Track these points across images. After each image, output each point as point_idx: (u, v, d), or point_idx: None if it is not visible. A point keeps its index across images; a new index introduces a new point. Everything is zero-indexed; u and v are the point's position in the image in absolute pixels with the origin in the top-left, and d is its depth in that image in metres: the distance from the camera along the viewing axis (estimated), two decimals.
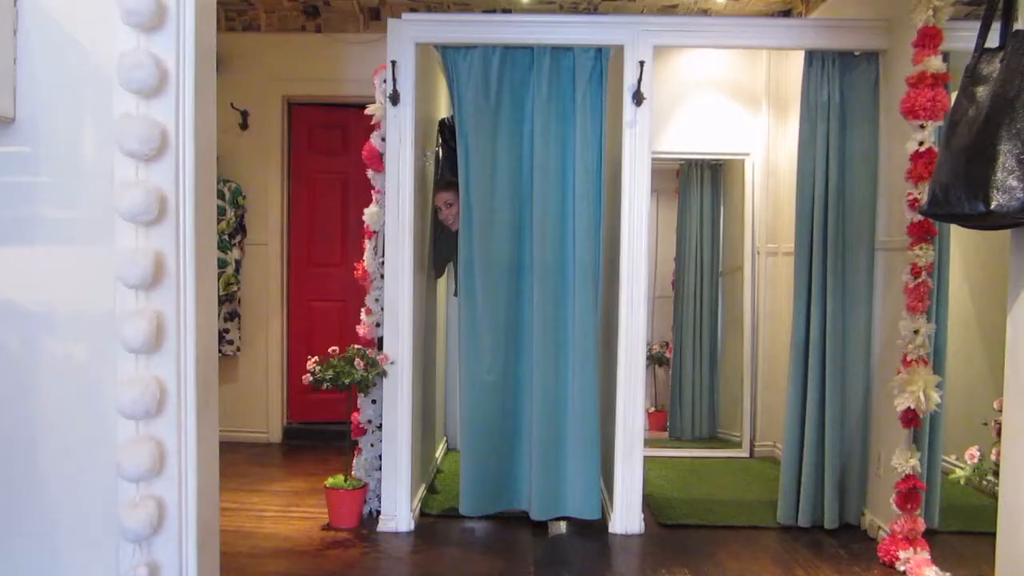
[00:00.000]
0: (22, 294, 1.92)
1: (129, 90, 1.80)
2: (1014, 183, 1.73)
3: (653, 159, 3.71)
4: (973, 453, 2.38)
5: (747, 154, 5.16)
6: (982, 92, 1.88)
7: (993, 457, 2.20)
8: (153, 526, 1.86)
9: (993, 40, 1.99)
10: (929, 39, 3.12)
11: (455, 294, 3.90)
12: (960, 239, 4.18)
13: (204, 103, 1.93)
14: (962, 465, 2.47)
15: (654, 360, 5.87)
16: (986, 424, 2.35)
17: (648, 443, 4.76)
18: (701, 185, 5.57)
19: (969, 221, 1.92)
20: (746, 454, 5.14)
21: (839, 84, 3.65)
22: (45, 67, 1.89)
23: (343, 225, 5.36)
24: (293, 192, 5.34)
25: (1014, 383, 1.93)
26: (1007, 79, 1.80)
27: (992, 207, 1.76)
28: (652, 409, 5.90)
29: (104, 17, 1.85)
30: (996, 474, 2.05)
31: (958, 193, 1.85)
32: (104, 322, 1.90)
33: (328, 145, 5.34)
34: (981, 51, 1.95)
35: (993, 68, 1.88)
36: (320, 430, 5.30)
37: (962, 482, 2.36)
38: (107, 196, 1.87)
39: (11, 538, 1.95)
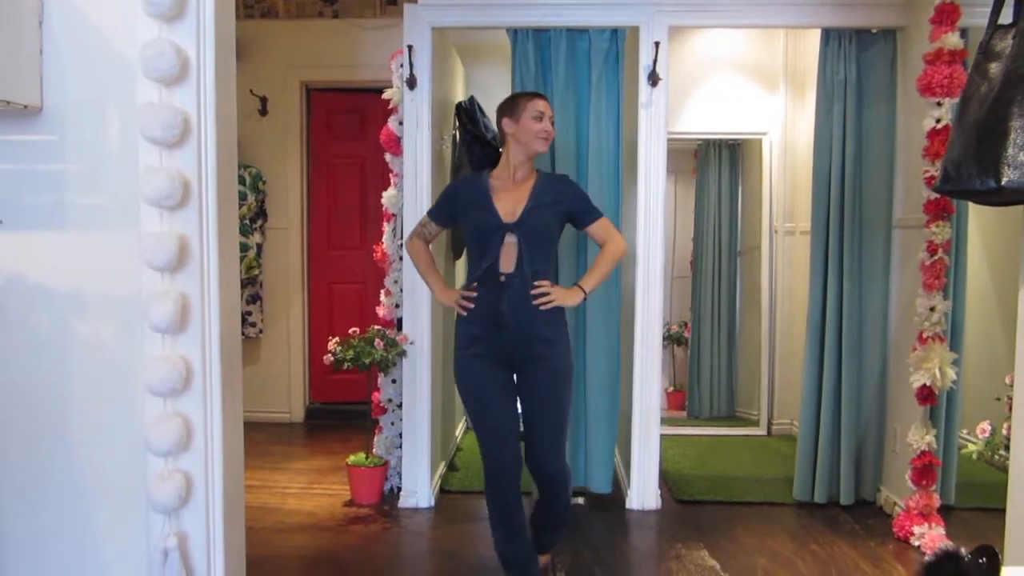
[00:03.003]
0: (51, 277, 1.98)
1: (151, 79, 1.85)
2: None
3: (670, 140, 3.72)
4: (984, 428, 2.40)
5: (764, 133, 5.14)
6: (994, 69, 1.89)
7: (1004, 432, 2.22)
8: (181, 498, 1.93)
9: (1008, 16, 1.99)
10: (946, 15, 3.10)
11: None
12: (979, 216, 4.16)
13: (224, 90, 1.98)
14: (975, 440, 2.48)
15: (672, 340, 5.90)
16: (999, 399, 2.37)
17: (666, 421, 4.81)
18: (719, 165, 5.56)
19: (980, 197, 1.94)
20: (763, 432, 5.17)
21: (856, 62, 3.64)
22: (70, 57, 1.94)
23: (362, 208, 5.41)
24: (312, 176, 5.40)
25: None
26: (1019, 55, 1.80)
27: (1003, 183, 1.77)
28: (671, 388, 5.94)
29: (126, 8, 1.90)
30: (1007, 448, 2.07)
31: (969, 170, 1.86)
32: (131, 304, 1.96)
33: (346, 130, 5.39)
34: (994, 27, 1.96)
35: (1006, 44, 1.89)
36: (341, 410, 5.38)
37: (974, 456, 2.38)
38: (132, 182, 1.93)
39: (46, 511, 2.03)
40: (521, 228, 2.56)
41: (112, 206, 1.96)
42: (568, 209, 2.69)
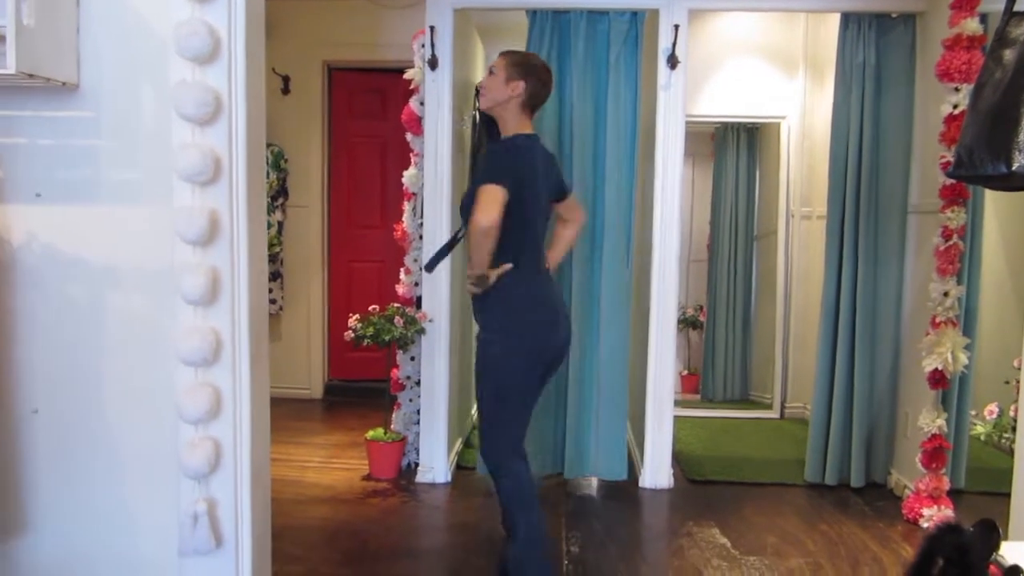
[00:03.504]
0: (87, 251, 2.06)
1: (185, 57, 1.91)
2: None
3: (688, 122, 3.75)
4: (992, 409, 2.44)
5: (783, 117, 5.15)
6: (1008, 55, 1.91)
7: (1012, 413, 2.26)
8: (211, 465, 2.01)
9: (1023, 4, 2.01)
10: (966, 1, 3.11)
11: None
12: (996, 203, 4.17)
13: (254, 69, 2.04)
14: (983, 423, 2.53)
15: (688, 324, 5.94)
16: (1008, 383, 2.40)
17: (680, 404, 4.86)
18: (737, 149, 5.57)
19: (993, 182, 1.96)
20: (776, 415, 5.21)
21: (875, 46, 3.65)
22: (105, 36, 2.00)
23: (382, 187, 5.47)
24: (333, 155, 5.46)
25: None
26: None
27: (1014, 168, 1.80)
28: (685, 372, 5.98)
29: None
30: (1014, 430, 2.11)
31: (982, 155, 1.89)
32: (163, 276, 2.03)
33: (367, 109, 5.44)
34: (1010, 14, 1.97)
35: (1021, 31, 1.91)
36: (359, 387, 5.47)
37: (982, 438, 2.42)
38: (165, 158, 1.99)
39: (81, 477, 2.11)
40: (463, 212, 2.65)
41: (145, 181, 2.02)
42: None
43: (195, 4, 1.91)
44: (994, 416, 2.38)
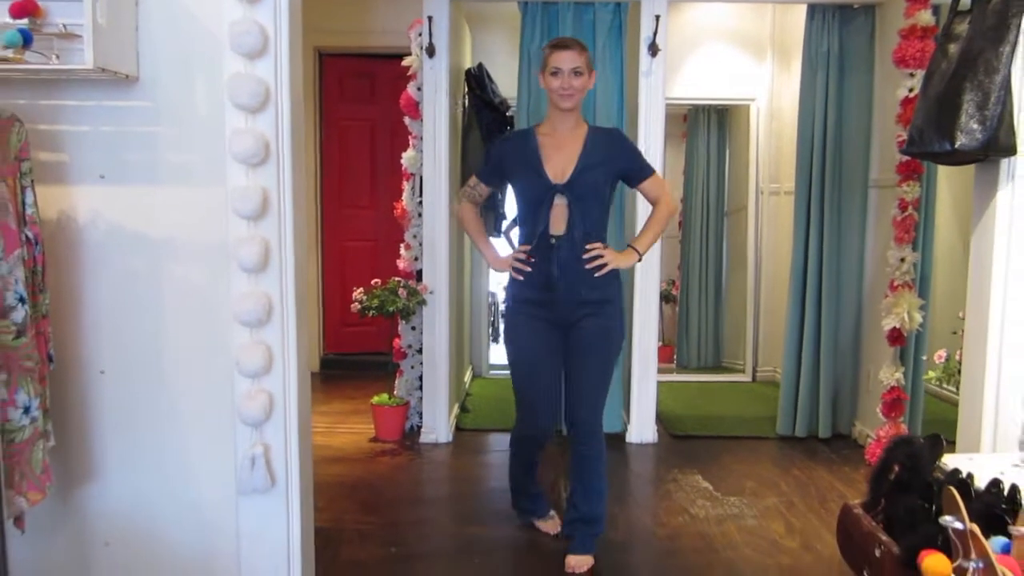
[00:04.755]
0: (148, 226, 2.29)
1: (238, 53, 2.15)
2: (975, 126, 2.10)
3: (665, 105, 4.04)
4: (940, 355, 2.79)
5: (752, 100, 5.48)
6: (953, 49, 2.23)
7: (957, 358, 2.60)
8: (266, 413, 2.27)
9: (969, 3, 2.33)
10: None
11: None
12: (950, 178, 4.54)
13: (296, 62, 2.28)
14: (934, 368, 2.87)
15: (662, 297, 6.25)
16: (955, 333, 2.75)
17: (658, 371, 5.18)
18: (708, 129, 5.89)
19: (940, 158, 2.29)
20: (749, 379, 5.58)
21: (838, 35, 3.98)
22: (162, 33, 2.23)
23: (372, 169, 5.70)
24: (325, 139, 5.68)
25: (974, 293, 2.32)
26: (972, 39, 2.15)
27: (956, 146, 2.12)
28: (660, 344, 6.30)
29: None
30: (959, 372, 2.45)
31: (930, 135, 2.21)
32: (217, 248, 2.27)
33: (357, 94, 5.66)
34: (955, 13, 2.29)
35: (963, 28, 2.22)
36: (354, 360, 5.72)
37: (933, 382, 2.76)
38: (218, 142, 2.23)
39: (144, 429, 2.35)
40: (571, 190, 2.53)
41: (200, 163, 2.26)
42: (620, 167, 2.63)
43: (246, 5, 2.15)
44: (943, 360, 2.72)
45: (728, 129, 5.87)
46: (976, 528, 1.31)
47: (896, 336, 3.58)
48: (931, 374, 2.81)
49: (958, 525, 1.33)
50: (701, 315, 6.02)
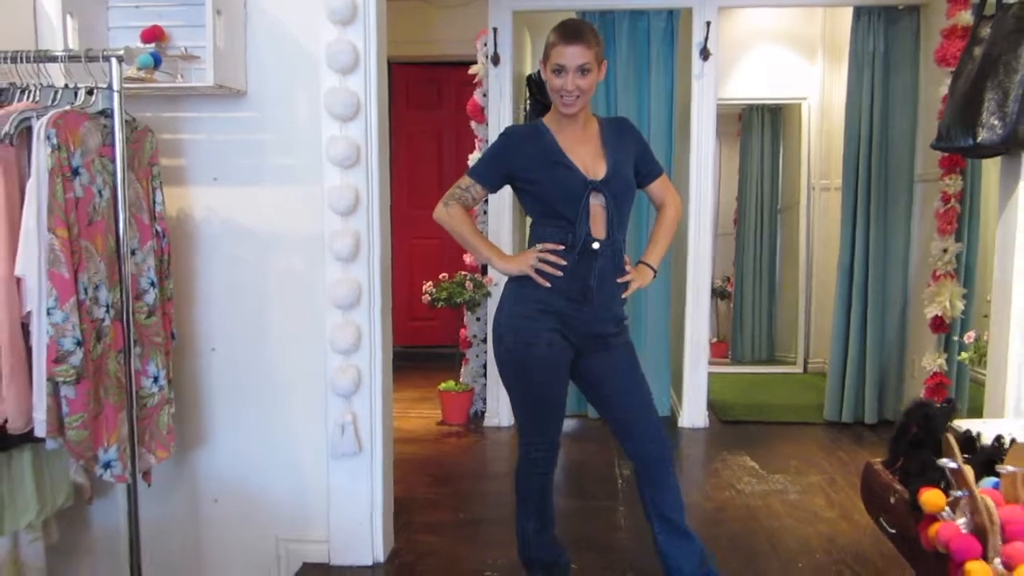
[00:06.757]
0: (254, 221, 2.63)
1: (333, 69, 2.47)
2: (995, 122, 2.29)
3: (718, 105, 4.26)
4: (971, 335, 2.96)
5: (804, 99, 5.64)
6: (978, 51, 2.42)
7: (985, 337, 2.78)
8: (355, 385, 2.59)
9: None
10: None
11: None
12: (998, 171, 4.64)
13: (382, 76, 2.60)
14: (966, 349, 3.03)
15: (716, 294, 6.43)
16: (986, 316, 2.91)
17: (711, 363, 5.39)
18: (762, 128, 6.07)
19: (965, 152, 2.49)
20: (800, 370, 5.73)
21: (884, 35, 4.15)
22: (267, 53, 2.57)
23: (439, 171, 6.03)
24: (394, 143, 6.02)
25: (999, 279, 2.51)
26: (994, 42, 2.34)
27: (978, 141, 2.32)
28: (714, 340, 6.48)
29: (311, 13, 2.51)
30: None
31: (956, 130, 2.41)
32: (314, 240, 2.60)
33: (424, 100, 6.00)
34: (979, 17, 2.49)
35: (986, 32, 2.42)
36: (420, 352, 6.06)
37: (966, 361, 2.93)
38: (315, 147, 2.55)
39: (249, 400, 2.69)
40: (608, 188, 2.16)
41: (299, 166, 2.59)
42: (636, 162, 2.28)
43: (341, 27, 2.48)
44: (972, 340, 2.89)
45: (781, 127, 6.04)
46: (968, 468, 1.54)
47: (938, 324, 3.73)
48: (964, 355, 2.97)
49: (952, 465, 1.56)
50: (755, 310, 6.19)
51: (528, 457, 2.32)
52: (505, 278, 2.31)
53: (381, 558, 2.70)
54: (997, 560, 1.48)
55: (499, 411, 4.40)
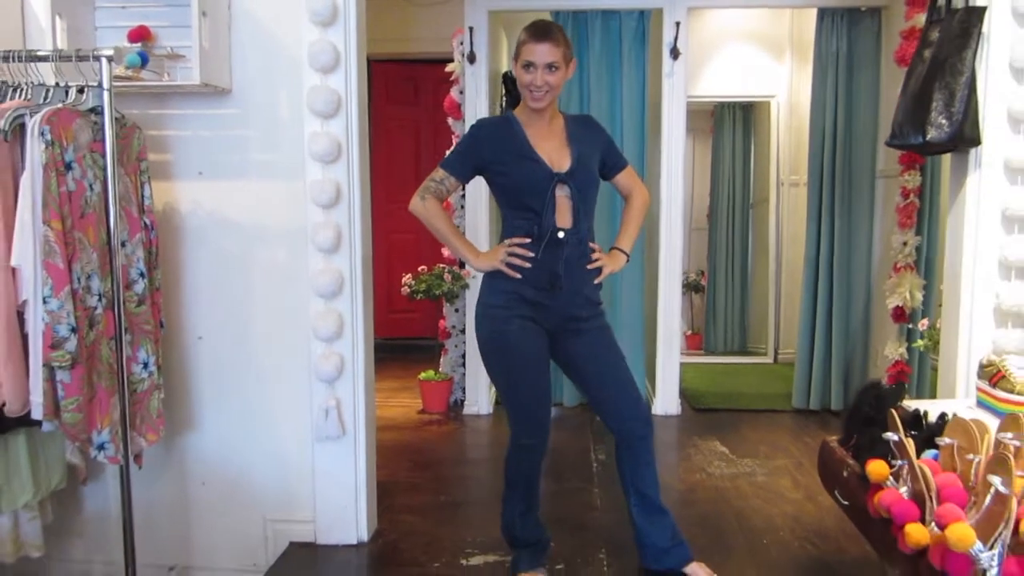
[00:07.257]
0: (239, 214, 2.72)
1: (315, 68, 2.57)
2: (943, 121, 2.43)
3: (689, 102, 4.40)
4: (924, 322, 3.11)
5: (773, 96, 5.80)
6: (927, 53, 2.57)
7: (937, 325, 2.93)
8: (338, 371, 2.69)
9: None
10: None
11: None
12: None
13: (362, 74, 2.70)
14: (920, 337, 3.19)
15: (690, 287, 6.60)
16: (940, 305, 3.06)
17: (686, 354, 5.54)
18: (733, 125, 6.23)
19: (915, 149, 2.63)
20: (771, 360, 5.90)
21: (847, 36, 4.30)
22: (251, 53, 2.65)
23: (416, 166, 6.13)
24: (372, 138, 6.10)
25: (950, 269, 2.66)
26: (941, 44, 2.48)
27: (927, 139, 2.46)
28: (688, 332, 6.65)
29: (293, 15, 2.60)
30: None
31: (907, 128, 2.55)
32: (297, 233, 2.69)
33: (402, 96, 6.09)
34: (930, 21, 2.63)
35: (935, 35, 2.56)
36: (399, 344, 6.15)
37: (921, 348, 3.08)
38: (297, 143, 2.65)
39: (235, 387, 2.78)
40: (574, 180, 2.27)
41: (283, 161, 2.68)
42: (601, 156, 2.40)
43: (322, 28, 2.57)
44: (925, 328, 3.04)
45: (753, 125, 6.20)
46: (909, 440, 1.67)
47: (899, 314, 3.89)
48: (920, 343, 3.13)
49: (895, 438, 1.69)
50: (728, 302, 6.35)
51: (517, 444, 2.41)
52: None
53: (365, 537, 2.81)
54: (934, 523, 1.61)
55: (478, 399, 4.51)
